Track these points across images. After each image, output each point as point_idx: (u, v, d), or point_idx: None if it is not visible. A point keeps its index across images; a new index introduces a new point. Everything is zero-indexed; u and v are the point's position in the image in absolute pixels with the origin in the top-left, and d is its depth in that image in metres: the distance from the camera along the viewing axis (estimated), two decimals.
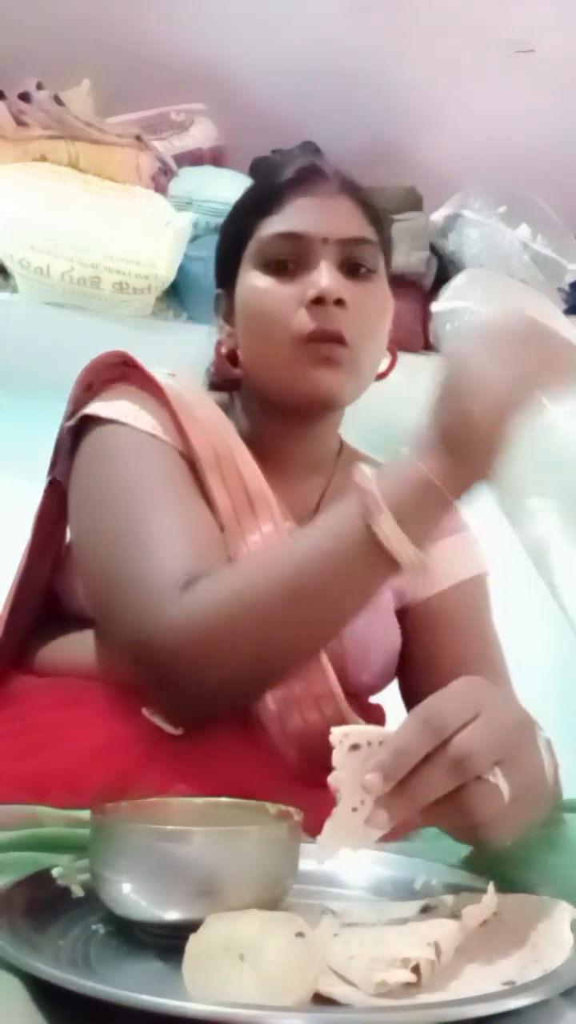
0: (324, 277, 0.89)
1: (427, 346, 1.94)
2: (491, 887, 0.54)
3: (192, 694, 0.75)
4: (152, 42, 1.93)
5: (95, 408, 0.88)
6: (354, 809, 0.55)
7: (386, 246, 0.99)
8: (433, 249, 2.04)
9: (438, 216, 2.07)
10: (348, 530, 0.70)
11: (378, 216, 0.98)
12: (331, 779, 0.55)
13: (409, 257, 1.97)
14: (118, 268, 1.73)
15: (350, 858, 0.63)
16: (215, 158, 2.02)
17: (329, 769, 0.56)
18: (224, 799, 0.61)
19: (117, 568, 0.80)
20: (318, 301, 0.88)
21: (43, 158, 1.81)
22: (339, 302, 0.89)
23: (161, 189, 1.89)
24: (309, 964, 0.44)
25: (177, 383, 0.91)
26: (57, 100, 1.83)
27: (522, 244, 2.02)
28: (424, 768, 0.52)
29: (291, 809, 0.57)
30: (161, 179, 1.91)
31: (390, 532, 0.68)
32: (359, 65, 1.98)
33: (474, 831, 0.55)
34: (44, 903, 0.54)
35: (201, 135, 2.02)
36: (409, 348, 1.93)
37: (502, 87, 2.05)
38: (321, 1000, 0.43)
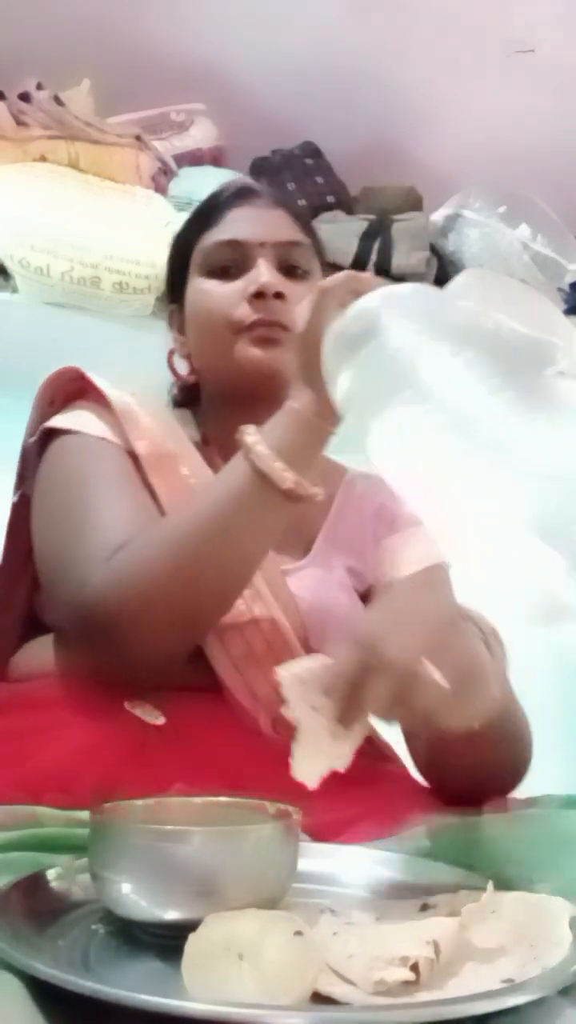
0: (264, 274, 0.96)
1: None
2: (490, 886, 0.54)
3: (131, 651, 0.79)
4: (152, 42, 1.94)
5: (55, 421, 0.95)
6: (315, 734, 0.61)
7: (319, 251, 1.06)
8: (433, 249, 2.04)
9: (438, 216, 2.07)
10: (237, 472, 0.79)
11: (309, 225, 1.08)
12: (285, 712, 0.62)
13: (409, 257, 1.98)
14: (118, 268, 1.73)
15: (349, 857, 0.64)
16: (215, 158, 2.02)
17: None
18: (223, 799, 0.61)
19: (59, 546, 0.87)
20: (259, 295, 0.95)
21: (43, 158, 1.81)
22: (279, 295, 0.95)
23: (161, 189, 1.89)
24: (308, 963, 0.44)
25: (133, 399, 0.97)
26: (57, 100, 1.84)
27: (522, 244, 2.02)
28: (361, 679, 0.61)
29: (290, 808, 0.57)
30: (161, 179, 1.91)
31: (266, 458, 0.77)
32: (359, 65, 1.98)
33: (427, 722, 0.64)
34: (44, 903, 0.54)
35: (201, 135, 2.02)
36: None
37: (502, 87, 2.06)
38: (320, 999, 0.43)
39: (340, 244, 1.94)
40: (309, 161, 2.10)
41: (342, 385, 0.67)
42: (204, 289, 0.99)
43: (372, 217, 2.03)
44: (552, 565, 0.54)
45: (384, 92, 2.05)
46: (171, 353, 1.06)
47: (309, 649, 0.90)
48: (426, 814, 0.72)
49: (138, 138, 1.89)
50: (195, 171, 1.97)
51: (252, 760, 0.79)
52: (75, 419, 0.94)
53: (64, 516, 0.88)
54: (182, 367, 1.06)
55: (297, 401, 0.80)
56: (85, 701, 0.83)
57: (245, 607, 0.88)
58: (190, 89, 2.01)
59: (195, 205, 1.86)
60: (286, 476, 0.77)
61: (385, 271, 1.92)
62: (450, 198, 2.06)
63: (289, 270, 0.99)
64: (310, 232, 1.05)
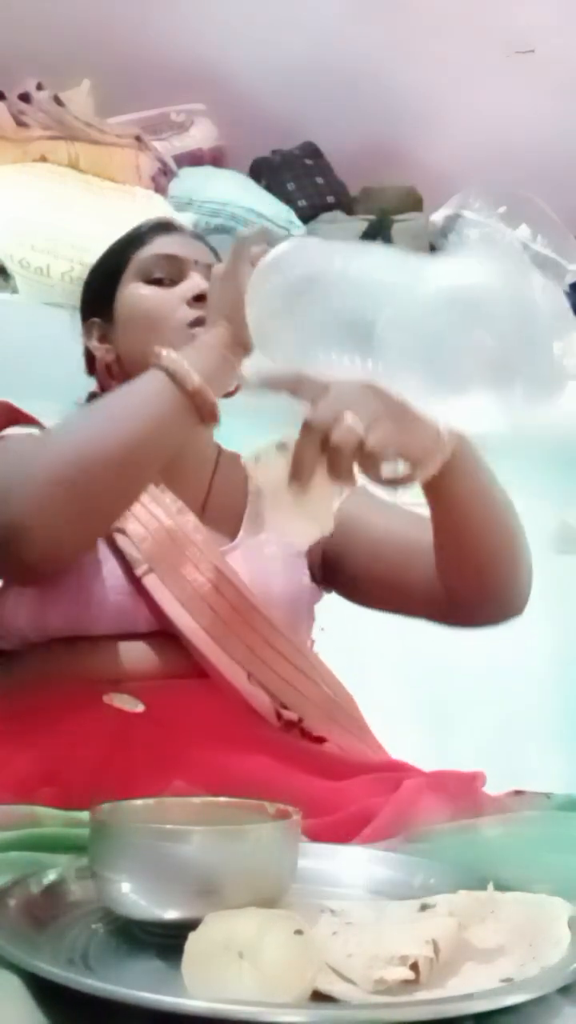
0: (200, 282, 1.04)
1: None
2: (490, 885, 0.54)
3: (39, 536, 0.83)
4: (152, 42, 1.94)
5: None
6: (285, 502, 0.73)
7: None
8: (433, 249, 2.04)
9: (438, 216, 2.07)
10: (146, 377, 0.87)
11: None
12: (265, 502, 0.76)
13: None
14: None
15: (349, 857, 0.64)
16: (215, 158, 2.02)
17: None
18: (223, 798, 0.62)
19: None
20: (199, 298, 1.02)
21: (43, 158, 1.80)
22: None
23: (161, 189, 1.89)
24: (307, 962, 0.44)
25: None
26: (57, 100, 1.83)
27: (522, 244, 2.02)
28: (329, 456, 0.75)
29: (289, 808, 0.57)
30: (161, 179, 1.91)
31: (176, 361, 0.85)
32: (359, 65, 1.98)
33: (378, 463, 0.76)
34: (44, 902, 0.54)
35: (201, 135, 2.02)
36: None
37: (502, 87, 2.06)
38: (320, 998, 0.44)
39: None
40: (309, 161, 2.11)
41: (261, 316, 0.78)
42: (144, 293, 1.07)
43: (372, 217, 2.03)
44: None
45: (384, 92, 2.05)
46: (95, 362, 1.13)
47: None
48: (426, 816, 0.72)
49: (138, 138, 1.89)
50: (195, 171, 1.97)
51: (234, 738, 0.84)
52: (9, 431, 1.01)
53: None
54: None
55: (210, 335, 0.88)
56: (62, 701, 0.86)
57: (202, 578, 0.96)
58: (190, 89, 2.01)
59: (195, 205, 1.88)
60: (193, 377, 0.84)
61: None
62: (450, 198, 2.06)
63: None
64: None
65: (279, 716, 0.94)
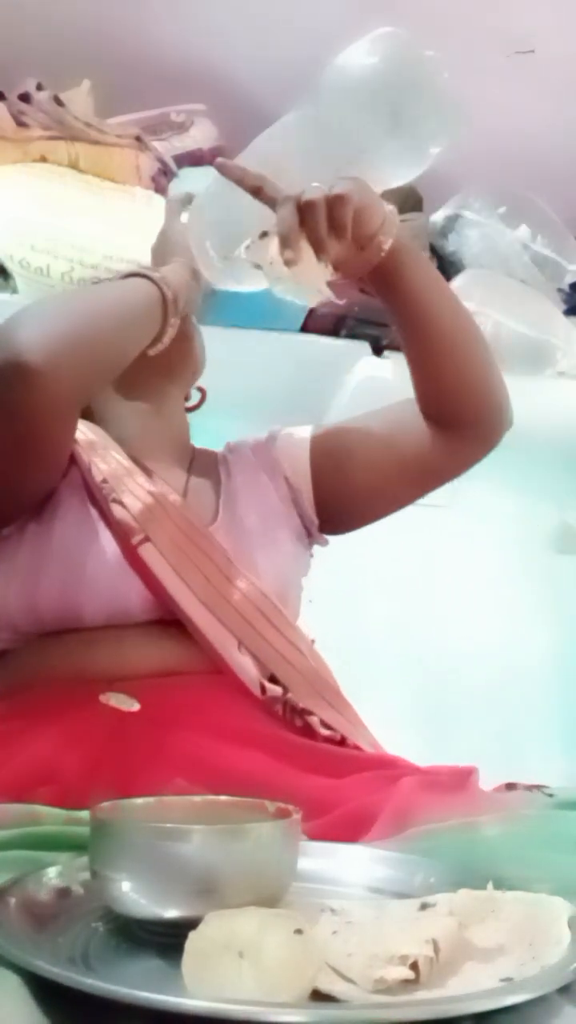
0: None
1: None
2: (490, 885, 0.54)
3: (45, 389, 0.89)
4: (152, 42, 1.93)
5: None
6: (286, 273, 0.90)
7: None
8: (433, 249, 2.04)
9: (438, 216, 2.07)
10: (121, 280, 1.03)
11: None
12: (260, 269, 0.93)
13: None
14: (118, 268, 1.72)
15: (349, 856, 0.64)
16: (215, 158, 2.02)
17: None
18: (223, 797, 0.62)
19: None
20: None
21: (43, 159, 1.80)
22: None
23: (161, 190, 1.89)
24: (307, 961, 0.44)
25: None
26: (57, 101, 1.83)
27: (522, 244, 2.02)
28: (304, 215, 0.88)
29: (290, 807, 0.57)
30: (161, 180, 1.91)
31: (142, 268, 1.04)
32: None
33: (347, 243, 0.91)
34: (43, 901, 0.54)
35: (201, 135, 2.02)
36: None
37: (502, 87, 2.05)
38: (320, 997, 0.43)
39: None
40: None
41: (207, 250, 0.98)
42: None
43: None
44: None
45: None
46: None
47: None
48: (426, 814, 0.73)
49: (138, 139, 1.89)
50: (195, 171, 1.96)
51: (230, 736, 0.86)
52: None
53: None
54: None
55: (168, 267, 1.05)
56: (59, 702, 0.87)
57: (194, 547, 1.00)
58: (190, 89, 2.01)
59: None
60: (158, 273, 1.00)
61: None
62: (450, 198, 2.06)
63: None
64: None
65: (264, 690, 0.95)
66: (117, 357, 0.99)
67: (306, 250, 0.89)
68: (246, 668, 0.96)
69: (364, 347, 1.93)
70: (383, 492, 1.13)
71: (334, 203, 0.88)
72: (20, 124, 1.81)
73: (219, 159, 0.97)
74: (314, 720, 0.95)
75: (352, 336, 1.93)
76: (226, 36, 1.95)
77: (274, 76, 2.00)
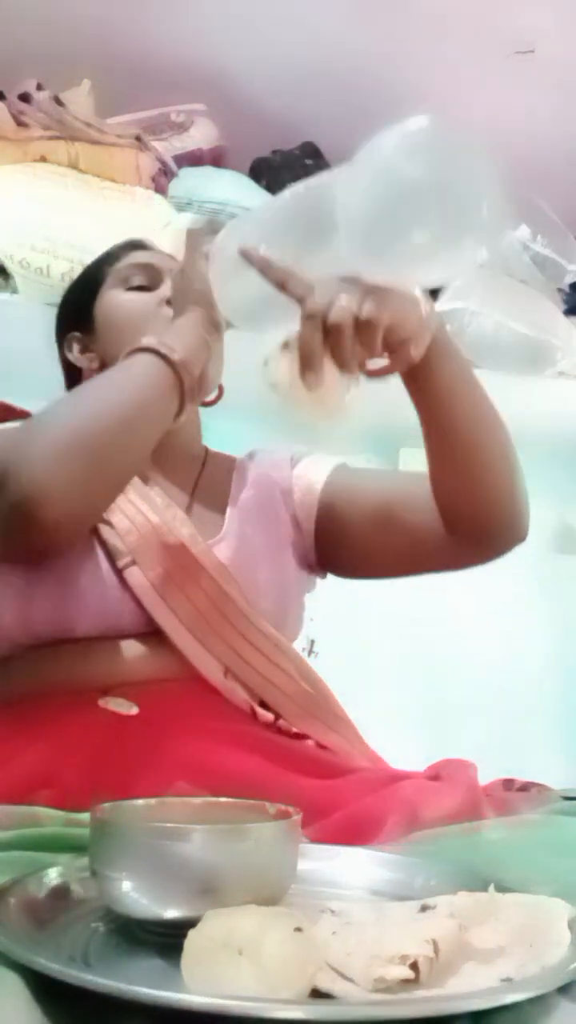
0: None
1: None
2: (491, 887, 0.54)
3: (48, 513, 0.84)
4: (152, 42, 1.93)
5: None
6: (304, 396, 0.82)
7: None
8: None
9: None
10: (131, 359, 0.91)
11: None
12: (275, 390, 0.84)
13: None
14: None
15: (349, 857, 0.64)
16: (215, 158, 2.02)
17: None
18: (223, 799, 0.62)
19: None
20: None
21: (43, 158, 1.80)
22: None
23: (161, 189, 1.89)
24: (307, 959, 0.44)
25: None
26: (57, 100, 1.83)
27: (522, 244, 2.02)
28: (329, 337, 0.81)
29: (290, 808, 0.57)
30: (161, 179, 1.91)
31: (155, 343, 0.90)
32: (359, 65, 1.98)
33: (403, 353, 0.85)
34: (44, 902, 0.54)
35: (201, 135, 2.02)
36: None
37: (502, 87, 2.05)
38: (319, 996, 0.43)
39: None
40: (309, 161, 2.10)
41: (231, 293, 0.90)
42: (124, 298, 1.11)
43: None
44: None
45: (384, 92, 2.04)
46: (80, 375, 1.14)
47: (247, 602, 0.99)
48: (434, 816, 0.73)
49: (138, 138, 1.89)
50: (195, 171, 1.97)
51: (228, 739, 0.86)
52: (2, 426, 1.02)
53: None
54: None
55: (183, 318, 0.94)
56: (57, 707, 0.87)
57: (183, 572, 0.97)
58: (190, 89, 2.01)
59: (195, 205, 1.88)
60: (175, 353, 0.89)
61: None
62: None
63: None
64: None
65: (254, 715, 0.95)
66: (131, 472, 0.95)
67: (328, 366, 0.83)
68: (235, 692, 0.95)
69: None
70: (375, 562, 1.09)
71: (363, 326, 0.81)
72: (20, 124, 1.81)
73: (242, 247, 0.87)
74: (308, 744, 0.95)
75: None
76: (226, 36, 1.95)
77: (274, 76, 2.00)
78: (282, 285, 0.84)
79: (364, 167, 0.82)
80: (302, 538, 1.11)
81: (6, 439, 0.91)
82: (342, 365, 0.82)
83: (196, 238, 0.97)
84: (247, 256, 0.86)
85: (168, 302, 1.05)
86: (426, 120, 0.84)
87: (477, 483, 0.96)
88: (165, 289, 1.08)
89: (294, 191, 0.88)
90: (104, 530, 0.97)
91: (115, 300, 1.12)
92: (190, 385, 0.90)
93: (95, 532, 0.97)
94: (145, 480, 1.04)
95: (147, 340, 0.91)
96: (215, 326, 0.93)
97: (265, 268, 0.85)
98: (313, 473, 1.13)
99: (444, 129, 0.84)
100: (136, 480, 1.02)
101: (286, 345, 0.85)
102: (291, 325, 0.86)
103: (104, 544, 0.97)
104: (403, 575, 1.09)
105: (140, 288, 1.11)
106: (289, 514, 1.11)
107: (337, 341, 0.81)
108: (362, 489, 1.10)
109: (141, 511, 1.00)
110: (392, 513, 1.05)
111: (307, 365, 0.82)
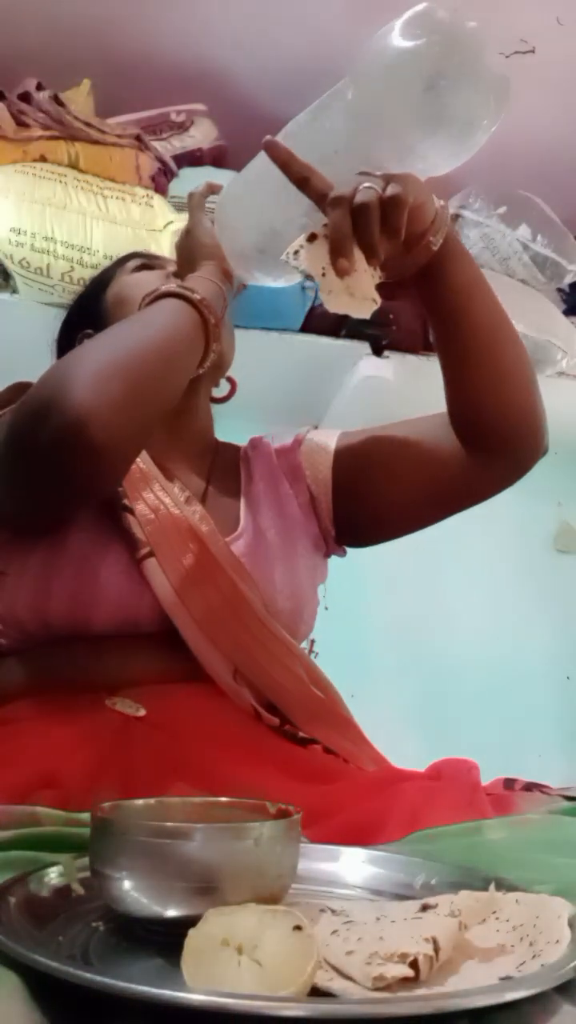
0: None
1: (427, 346, 1.94)
2: (491, 886, 0.54)
3: (102, 449, 0.83)
4: (152, 42, 1.94)
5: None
6: (335, 284, 0.82)
7: None
8: None
9: None
10: (156, 304, 0.95)
11: None
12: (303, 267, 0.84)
13: None
14: None
15: (349, 857, 0.64)
16: (215, 158, 2.02)
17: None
18: (223, 798, 0.62)
19: (22, 419, 0.89)
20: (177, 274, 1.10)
21: (43, 158, 1.81)
22: None
23: (161, 189, 1.90)
24: (307, 957, 0.44)
25: None
26: (57, 100, 1.84)
27: (522, 244, 2.02)
28: (357, 219, 0.82)
29: (290, 807, 0.57)
30: (161, 179, 1.91)
31: (174, 287, 0.95)
32: None
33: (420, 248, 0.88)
34: (44, 901, 0.54)
35: (201, 135, 2.02)
36: (409, 348, 1.93)
37: None
38: (318, 994, 0.43)
39: None
40: None
41: (236, 244, 0.96)
42: (136, 275, 1.15)
43: None
44: None
45: None
46: None
47: (262, 601, 0.99)
48: (436, 818, 0.73)
49: (138, 138, 1.89)
50: (195, 171, 1.97)
51: (234, 744, 0.86)
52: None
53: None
54: None
55: (199, 271, 1.01)
56: (64, 705, 0.87)
57: (201, 569, 0.96)
58: (190, 89, 2.01)
59: None
60: (195, 294, 0.94)
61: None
62: (450, 198, 2.06)
63: None
64: None
65: (259, 716, 0.94)
66: (169, 402, 0.94)
67: (357, 255, 0.83)
68: (241, 695, 0.94)
69: (364, 347, 1.92)
70: (405, 511, 1.08)
71: (388, 205, 0.82)
72: (20, 124, 1.81)
73: (268, 138, 0.90)
74: (315, 749, 0.94)
75: (352, 336, 1.93)
76: (226, 36, 1.95)
77: (274, 76, 2.00)
78: (304, 181, 0.87)
79: (369, 56, 0.89)
80: (319, 516, 1.10)
81: (44, 376, 0.91)
82: (369, 249, 0.83)
83: (198, 199, 1.07)
84: (271, 150, 0.89)
85: (175, 274, 1.07)
86: (424, 4, 0.87)
87: (497, 389, 0.97)
88: (171, 266, 1.12)
89: (296, 120, 0.94)
90: (127, 518, 0.97)
91: (123, 280, 1.14)
92: (214, 324, 0.94)
93: (116, 522, 0.97)
94: (168, 475, 1.03)
95: (166, 287, 0.95)
96: (227, 277, 1.00)
97: (289, 162, 0.88)
98: (320, 443, 1.13)
99: (446, 14, 0.87)
100: (159, 474, 1.02)
101: (313, 237, 0.85)
102: (294, 276, 0.93)
103: (124, 535, 0.96)
104: (427, 519, 1.09)
105: (145, 268, 1.16)
106: (302, 495, 1.10)
107: (365, 223, 0.82)
108: (374, 438, 1.10)
109: (163, 503, 1.00)
110: (408, 447, 1.06)
111: (338, 251, 0.83)
